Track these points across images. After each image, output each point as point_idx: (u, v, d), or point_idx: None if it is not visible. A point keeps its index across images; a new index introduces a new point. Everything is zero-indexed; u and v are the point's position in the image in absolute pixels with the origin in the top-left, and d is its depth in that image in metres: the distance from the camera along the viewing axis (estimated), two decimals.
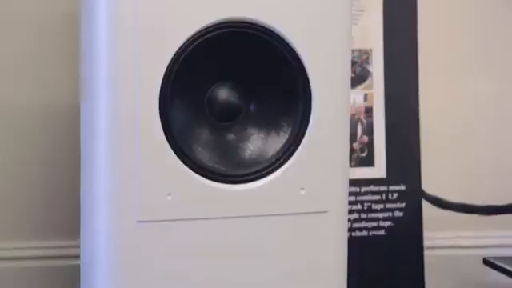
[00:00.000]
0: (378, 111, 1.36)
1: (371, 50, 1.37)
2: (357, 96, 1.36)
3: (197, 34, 0.90)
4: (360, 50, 1.37)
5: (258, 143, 0.94)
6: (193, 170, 0.91)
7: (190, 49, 0.90)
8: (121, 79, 0.88)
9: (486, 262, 1.32)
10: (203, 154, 0.92)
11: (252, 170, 0.93)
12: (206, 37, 0.91)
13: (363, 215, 1.36)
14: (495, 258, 1.32)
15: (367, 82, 1.37)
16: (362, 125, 1.36)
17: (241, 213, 0.92)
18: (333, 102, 0.95)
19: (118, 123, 0.88)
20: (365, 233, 1.36)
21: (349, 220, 1.32)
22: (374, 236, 1.36)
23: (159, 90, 0.89)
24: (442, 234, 1.49)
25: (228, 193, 0.92)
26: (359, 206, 1.36)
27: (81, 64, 0.98)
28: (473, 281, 1.49)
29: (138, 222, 0.89)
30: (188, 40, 0.90)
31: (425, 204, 1.41)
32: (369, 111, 1.36)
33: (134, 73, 0.88)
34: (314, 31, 0.93)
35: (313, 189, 0.95)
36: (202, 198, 0.91)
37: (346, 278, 0.98)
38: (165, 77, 0.89)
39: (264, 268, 0.94)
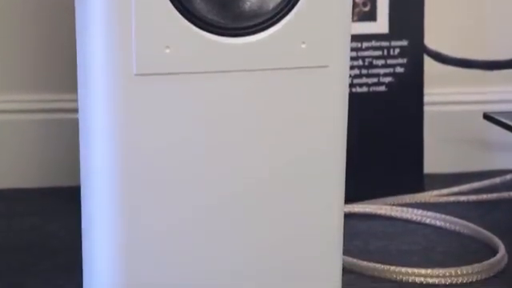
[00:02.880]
0: None
1: None
2: None
3: None
4: None
5: None
6: (191, 22, 0.89)
7: None
8: None
9: (486, 116, 1.32)
10: (202, 6, 0.90)
11: (252, 23, 0.92)
12: None
13: (364, 71, 1.36)
14: (495, 112, 1.33)
15: None
16: None
17: (240, 66, 0.91)
18: None
19: None
20: (365, 89, 1.37)
21: (349, 76, 1.32)
22: (375, 92, 1.37)
23: None
24: (442, 90, 1.50)
25: (227, 46, 0.91)
26: (360, 62, 1.36)
27: None
28: (473, 136, 1.50)
29: (136, 75, 0.88)
30: None
31: (426, 60, 1.41)
32: None
33: None
34: None
35: (314, 43, 0.94)
36: (200, 51, 0.90)
37: (346, 131, 0.98)
38: None
39: (262, 124, 0.94)
